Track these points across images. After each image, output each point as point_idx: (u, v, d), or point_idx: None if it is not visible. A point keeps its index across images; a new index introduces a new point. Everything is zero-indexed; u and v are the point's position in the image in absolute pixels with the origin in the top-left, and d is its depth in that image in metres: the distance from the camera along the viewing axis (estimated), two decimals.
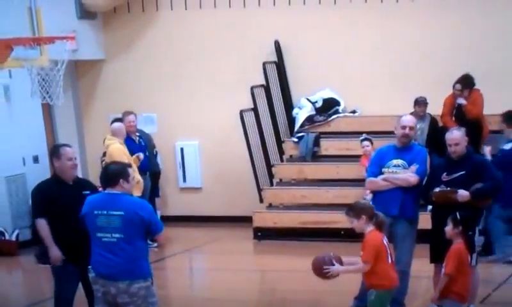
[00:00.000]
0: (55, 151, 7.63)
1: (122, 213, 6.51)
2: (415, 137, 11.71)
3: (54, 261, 7.48)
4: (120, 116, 12.50)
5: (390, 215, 8.10)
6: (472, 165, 8.14)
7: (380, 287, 7.06)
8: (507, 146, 10.80)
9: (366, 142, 11.85)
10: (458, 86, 12.25)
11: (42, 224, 7.47)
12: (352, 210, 7.09)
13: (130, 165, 7.10)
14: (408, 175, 8.33)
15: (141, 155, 11.75)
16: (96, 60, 14.85)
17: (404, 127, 8.47)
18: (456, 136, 8.21)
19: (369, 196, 9.55)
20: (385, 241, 7.08)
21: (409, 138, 8.50)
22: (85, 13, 14.32)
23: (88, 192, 7.29)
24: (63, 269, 7.49)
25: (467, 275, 7.40)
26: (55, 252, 7.44)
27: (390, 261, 7.10)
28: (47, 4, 10.63)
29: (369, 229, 7.02)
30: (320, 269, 7.02)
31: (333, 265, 6.99)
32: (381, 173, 8.46)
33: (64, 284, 7.57)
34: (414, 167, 8.35)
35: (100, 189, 7.51)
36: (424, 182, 8.41)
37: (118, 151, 11.27)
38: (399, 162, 8.41)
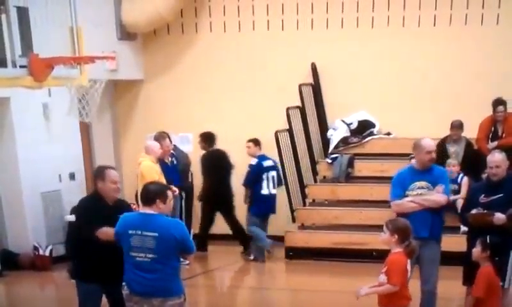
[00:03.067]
0: (100, 172, 7.59)
1: (156, 234, 6.59)
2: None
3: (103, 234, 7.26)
4: (150, 135, 12.63)
5: (419, 237, 8.08)
6: (511, 189, 8.07)
7: (399, 306, 6.95)
8: None
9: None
10: (501, 108, 12.20)
11: (105, 231, 7.25)
12: (392, 224, 6.95)
13: (169, 188, 7.14)
14: (438, 196, 8.25)
15: (176, 192, 11.41)
16: (134, 80, 15.06)
17: (429, 152, 8.36)
18: (497, 159, 8.20)
19: None
20: (408, 266, 6.97)
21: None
22: (125, 34, 14.56)
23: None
24: (87, 287, 7.50)
25: (497, 298, 7.36)
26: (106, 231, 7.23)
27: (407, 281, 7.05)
28: (88, 25, 10.84)
29: (397, 250, 6.88)
30: None
31: None
32: (405, 196, 8.36)
33: (87, 302, 7.61)
34: (440, 187, 8.26)
35: (135, 207, 7.59)
36: (462, 204, 8.40)
37: (149, 168, 11.34)
38: (423, 183, 8.30)
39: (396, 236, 6.84)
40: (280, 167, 13.06)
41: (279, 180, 12.93)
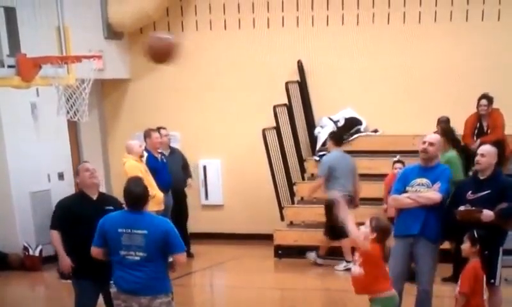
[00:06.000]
0: (76, 170, 7.95)
1: (146, 232, 6.59)
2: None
3: (64, 269, 7.71)
4: (138, 133, 12.64)
5: (411, 234, 8.15)
6: (499, 186, 8.03)
7: (378, 292, 6.94)
8: None
9: (399, 165, 11.49)
10: (484, 101, 12.26)
11: (54, 235, 7.68)
12: (375, 222, 7.00)
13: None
14: (431, 193, 8.16)
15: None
16: (121, 79, 15.06)
17: (423, 142, 8.32)
18: (484, 148, 8.19)
19: None
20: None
21: (428, 154, 8.28)
22: (112, 33, 14.56)
23: (111, 207, 7.40)
24: (80, 283, 7.62)
25: (480, 295, 7.34)
26: (65, 261, 7.64)
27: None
28: (75, 24, 10.85)
29: (369, 243, 6.89)
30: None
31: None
32: (405, 191, 8.32)
33: (83, 299, 7.67)
34: (437, 185, 8.17)
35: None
36: (449, 200, 8.36)
37: (132, 168, 11.24)
38: (423, 181, 8.23)
39: (375, 234, 6.91)
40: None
41: None
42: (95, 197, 7.69)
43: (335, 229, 10.96)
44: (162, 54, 7.53)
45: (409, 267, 8.34)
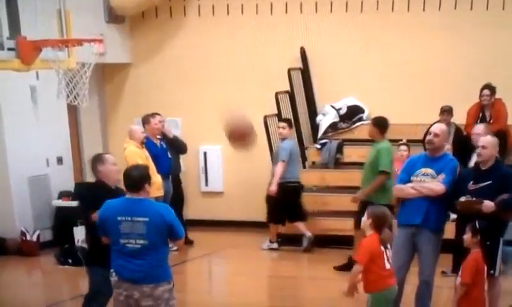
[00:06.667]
0: (99, 157, 7.88)
1: (147, 219, 6.53)
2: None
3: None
4: (137, 119, 12.60)
5: (413, 224, 8.15)
6: (500, 177, 8.03)
7: (373, 289, 7.09)
8: None
9: (404, 147, 11.75)
10: (487, 92, 12.21)
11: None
12: (371, 209, 7.30)
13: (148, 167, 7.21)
14: (434, 184, 8.16)
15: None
16: (122, 64, 14.97)
17: (429, 133, 8.35)
18: (485, 139, 8.16)
19: None
20: (383, 248, 7.10)
21: (433, 145, 8.28)
22: (113, 17, 14.46)
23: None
24: (102, 271, 7.43)
25: (481, 286, 7.34)
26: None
27: (388, 266, 7.12)
28: (76, 7, 10.75)
29: (370, 233, 7.15)
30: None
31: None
32: (409, 181, 8.31)
33: (102, 287, 7.61)
34: (441, 176, 8.16)
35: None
36: (450, 190, 8.32)
37: (133, 154, 11.30)
38: (428, 171, 8.22)
39: (370, 220, 7.14)
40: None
41: None
42: (113, 187, 7.76)
43: (277, 213, 12.28)
44: (240, 138, 7.71)
45: (411, 257, 8.31)
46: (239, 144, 7.92)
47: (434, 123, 8.64)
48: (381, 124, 10.55)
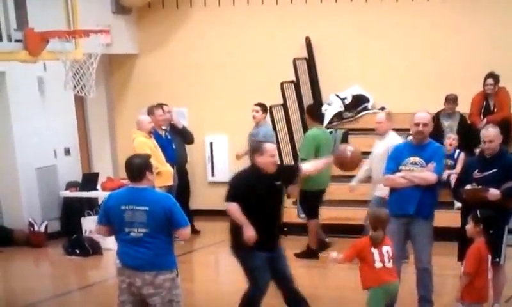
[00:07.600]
0: (259, 147, 7.92)
1: (147, 208, 6.58)
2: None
3: (248, 240, 7.66)
4: (144, 110, 12.67)
5: (406, 214, 8.14)
6: (505, 165, 8.04)
7: (367, 285, 7.27)
8: None
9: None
10: (491, 80, 12.23)
11: (234, 207, 7.85)
12: (370, 213, 7.52)
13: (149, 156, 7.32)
14: (427, 174, 8.10)
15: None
16: (129, 54, 15.03)
17: (417, 124, 8.23)
18: (490, 133, 8.12)
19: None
20: (374, 248, 7.23)
21: (423, 135, 8.24)
22: (120, 8, 14.53)
23: (279, 183, 7.83)
24: (260, 256, 7.72)
25: (485, 275, 7.34)
26: (250, 232, 7.67)
27: (379, 266, 7.21)
28: None
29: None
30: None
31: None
32: (398, 170, 8.28)
33: (263, 272, 7.80)
34: (432, 165, 8.11)
35: None
36: (455, 179, 8.34)
37: (141, 144, 11.42)
38: (416, 159, 8.17)
39: (368, 222, 7.39)
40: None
41: None
42: (269, 173, 7.88)
43: None
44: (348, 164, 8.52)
45: (404, 245, 8.36)
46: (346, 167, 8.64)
47: (417, 113, 8.45)
48: (313, 111, 11.24)
